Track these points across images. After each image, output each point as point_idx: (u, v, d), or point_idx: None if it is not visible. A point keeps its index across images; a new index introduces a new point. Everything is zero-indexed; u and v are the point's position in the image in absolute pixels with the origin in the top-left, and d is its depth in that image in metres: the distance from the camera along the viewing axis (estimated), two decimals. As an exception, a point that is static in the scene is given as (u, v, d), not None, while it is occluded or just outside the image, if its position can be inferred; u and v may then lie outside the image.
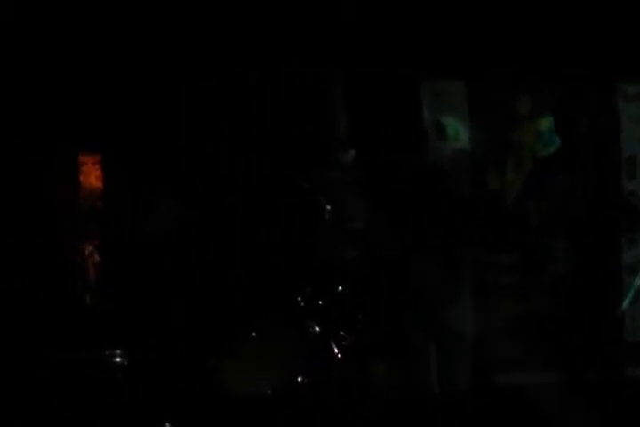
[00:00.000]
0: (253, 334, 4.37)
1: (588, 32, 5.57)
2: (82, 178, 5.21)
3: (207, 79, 5.34)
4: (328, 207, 4.85)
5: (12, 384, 4.28)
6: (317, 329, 4.48)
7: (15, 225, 4.77)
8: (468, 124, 5.86)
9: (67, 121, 5.10)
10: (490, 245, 5.38)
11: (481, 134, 5.86)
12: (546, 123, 5.80)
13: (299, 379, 4.26)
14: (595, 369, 4.98)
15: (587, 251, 4.86)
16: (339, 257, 4.97)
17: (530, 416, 4.92)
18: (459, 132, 5.86)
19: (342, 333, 4.55)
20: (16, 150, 4.99)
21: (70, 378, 4.31)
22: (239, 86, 5.42)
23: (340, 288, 4.70)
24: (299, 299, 4.56)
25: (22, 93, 5.03)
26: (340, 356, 4.46)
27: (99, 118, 5.15)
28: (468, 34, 5.63)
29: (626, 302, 4.47)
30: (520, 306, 5.60)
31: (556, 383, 5.00)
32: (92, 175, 5.22)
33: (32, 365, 4.46)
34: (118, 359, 4.18)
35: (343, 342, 4.51)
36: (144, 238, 4.80)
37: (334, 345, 4.47)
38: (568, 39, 5.60)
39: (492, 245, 5.40)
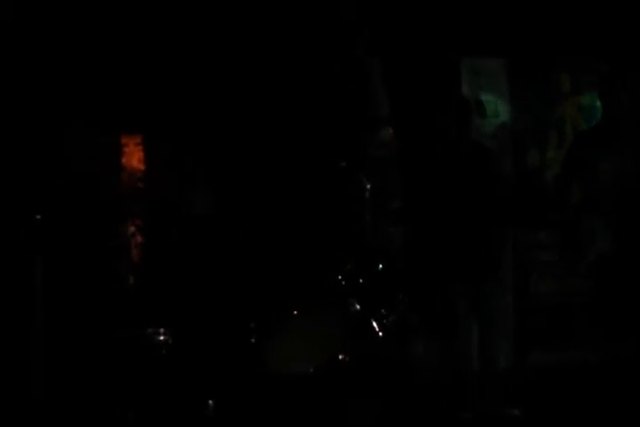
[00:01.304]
0: (295, 312, 4.40)
1: (626, 10, 5.50)
2: (124, 159, 5.26)
3: (245, 61, 5.35)
4: (368, 186, 4.84)
5: (59, 362, 4.36)
6: (358, 308, 4.50)
7: (59, 206, 4.83)
8: (508, 101, 5.81)
9: (109, 102, 5.14)
10: (530, 222, 5.35)
11: (521, 111, 5.81)
12: (587, 99, 5.74)
13: (340, 357, 4.29)
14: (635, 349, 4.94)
15: (629, 229, 4.81)
16: (380, 235, 4.97)
17: (569, 395, 4.91)
18: (498, 109, 5.81)
19: (383, 311, 4.56)
20: (59, 133, 5.05)
21: (115, 355, 4.38)
22: (277, 67, 5.42)
23: (381, 267, 4.70)
24: (340, 278, 4.57)
25: (63, 76, 5.08)
26: (380, 334, 4.47)
27: (141, 100, 5.19)
28: (508, 11, 5.58)
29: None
30: (561, 284, 5.58)
31: (596, 363, 4.97)
32: (134, 156, 5.27)
33: (78, 344, 4.54)
34: (162, 338, 4.23)
35: (384, 321, 4.52)
36: (187, 219, 4.84)
37: (375, 323, 4.49)
38: (608, 16, 5.53)
39: (533, 222, 5.37)
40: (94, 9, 5.11)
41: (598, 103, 4.77)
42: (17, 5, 4.96)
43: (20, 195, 4.82)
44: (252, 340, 4.33)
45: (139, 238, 5.00)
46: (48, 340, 4.27)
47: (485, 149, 4.98)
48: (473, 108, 5.25)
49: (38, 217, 4.39)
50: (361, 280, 4.60)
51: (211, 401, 4.12)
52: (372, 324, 4.49)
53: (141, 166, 5.25)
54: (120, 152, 5.25)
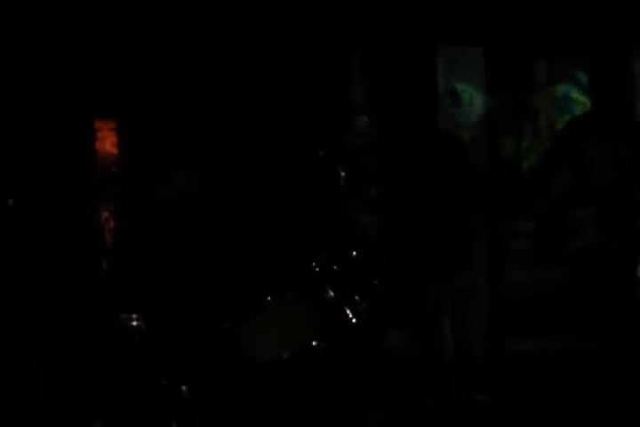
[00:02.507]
0: (269, 298, 4.39)
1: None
2: (98, 144, 5.22)
3: (225, 47, 5.33)
4: (343, 173, 4.84)
5: (34, 348, 4.33)
6: (332, 294, 4.50)
7: (33, 191, 4.79)
8: (483, 91, 5.84)
9: (82, 87, 5.10)
10: (505, 212, 5.38)
11: (496, 101, 5.84)
12: (562, 89, 5.78)
13: (314, 343, 4.29)
14: (611, 338, 4.98)
15: (613, 219, 4.84)
16: (354, 223, 4.97)
17: (543, 383, 4.95)
18: (473, 98, 5.83)
19: (357, 298, 4.56)
20: (33, 118, 5.00)
21: (88, 341, 4.36)
22: (254, 54, 5.40)
23: (355, 254, 4.70)
24: (314, 264, 4.57)
25: (37, 61, 5.03)
26: (354, 321, 4.47)
27: (114, 84, 5.15)
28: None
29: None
30: (534, 273, 5.62)
31: (569, 351, 5.02)
32: (107, 141, 5.23)
33: (50, 330, 4.51)
34: (135, 323, 4.21)
35: (358, 308, 4.52)
36: (161, 203, 4.82)
37: (349, 311, 4.49)
38: (586, 5, 5.56)
39: (508, 212, 5.40)
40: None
41: (573, 94, 4.81)
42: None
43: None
44: (226, 325, 4.32)
45: (112, 223, 4.97)
46: (21, 327, 4.24)
47: (454, 137, 5.00)
48: (447, 98, 5.27)
49: (10, 202, 4.36)
50: (335, 267, 4.60)
51: (184, 387, 4.11)
52: (345, 311, 4.49)
53: (114, 151, 5.23)
54: (93, 137, 5.22)
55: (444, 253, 4.75)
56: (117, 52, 5.16)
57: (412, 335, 4.90)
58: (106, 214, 4.99)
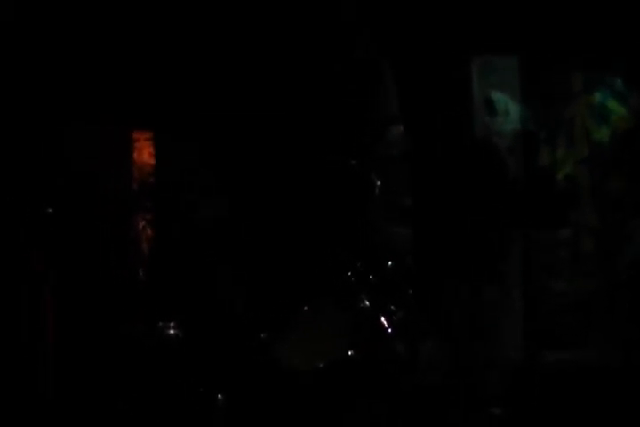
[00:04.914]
0: (305, 308, 4.40)
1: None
2: (135, 154, 5.26)
3: (249, 61, 5.36)
4: (378, 183, 4.85)
5: (68, 357, 4.37)
6: (368, 304, 4.50)
7: (70, 201, 4.84)
8: (519, 100, 5.81)
9: (121, 98, 5.15)
10: (540, 221, 5.35)
11: (532, 110, 5.81)
12: (598, 97, 5.74)
13: (349, 353, 4.29)
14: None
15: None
16: (389, 233, 4.97)
17: (578, 395, 4.91)
18: (509, 107, 5.81)
19: (392, 308, 4.57)
20: (69, 128, 5.06)
21: (125, 350, 4.38)
22: (287, 65, 5.42)
23: (391, 263, 4.71)
24: (349, 274, 4.58)
25: (73, 71, 5.08)
26: (390, 331, 4.47)
27: (152, 94, 5.20)
28: (520, 7, 5.58)
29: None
30: (570, 283, 5.57)
31: (606, 363, 4.98)
32: (144, 151, 5.27)
33: (87, 338, 4.54)
34: (172, 331, 4.23)
35: (393, 317, 4.53)
36: (198, 214, 4.85)
37: (384, 320, 4.49)
38: (622, 13, 5.52)
39: (543, 222, 5.37)
40: (96, 7, 5.13)
41: (609, 103, 4.77)
42: (17, 5, 4.97)
43: (29, 189, 4.83)
44: (262, 335, 4.33)
45: (149, 232, 5.01)
46: (57, 335, 4.27)
47: (493, 147, 4.98)
48: (482, 107, 5.25)
49: (49, 210, 4.40)
50: (370, 277, 4.60)
51: (220, 396, 4.13)
52: (381, 320, 4.49)
53: (152, 161, 5.27)
54: (130, 147, 5.26)
55: (476, 264, 4.75)
56: (157, 63, 5.21)
57: (442, 346, 4.89)
58: (142, 223, 5.03)
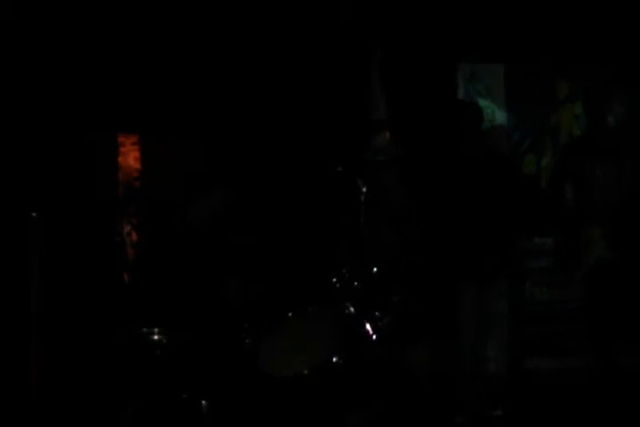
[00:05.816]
0: (290, 314, 4.40)
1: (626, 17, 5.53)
2: (120, 158, 5.26)
3: (245, 62, 5.37)
4: (364, 189, 4.85)
5: (54, 361, 4.36)
6: (353, 310, 4.50)
7: (55, 204, 4.83)
8: (505, 107, 5.84)
9: (106, 102, 5.15)
10: (525, 229, 5.37)
11: (517, 117, 5.84)
12: (582, 106, 5.78)
13: (334, 359, 4.29)
14: (628, 355, 4.96)
15: (622, 237, 4.83)
16: (375, 239, 4.98)
17: (561, 401, 4.93)
18: (495, 114, 5.84)
19: (377, 314, 4.57)
20: (56, 132, 5.05)
21: (109, 355, 4.37)
22: (276, 71, 5.43)
23: (376, 270, 4.71)
24: (334, 280, 4.58)
25: (60, 76, 5.08)
26: (375, 337, 4.47)
27: (138, 99, 5.19)
28: (506, 16, 5.61)
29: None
30: (555, 291, 5.59)
31: (589, 369, 5.00)
32: (130, 156, 5.27)
33: (72, 343, 4.53)
34: (156, 337, 4.22)
35: (378, 323, 4.53)
36: (184, 218, 4.84)
37: (369, 326, 4.49)
38: (606, 24, 5.57)
39: (528, 229, 5.39)
40: (93, 8, 5.12)
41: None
42: (17, 5, 4.97)
43: (16, 193, 4.82)
44: (247, 341, 4.33)
45: (134, 237, 5.00)
46: (43, 339, 4.26)
47: (500, 154, 5.02)
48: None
49: (34, 215, 4.39)
50: (355, 283, 4.60)
51: (204, 402, 4.12)
52: (365, 326, 4.49)
53: (137, 165, 5.26)
54: (116, 151, 5.25)
55: (474, 269, 4.76)
56: (145, 66, 5.21)
57: (433, 351, 4.89)
58: (128, 228, 5.02)
